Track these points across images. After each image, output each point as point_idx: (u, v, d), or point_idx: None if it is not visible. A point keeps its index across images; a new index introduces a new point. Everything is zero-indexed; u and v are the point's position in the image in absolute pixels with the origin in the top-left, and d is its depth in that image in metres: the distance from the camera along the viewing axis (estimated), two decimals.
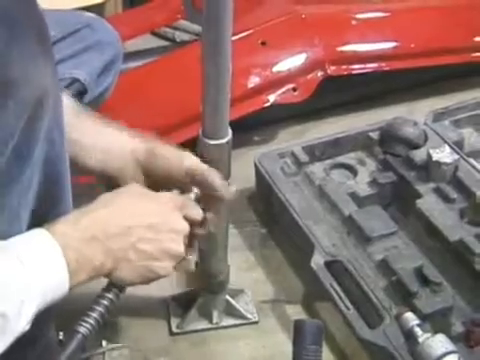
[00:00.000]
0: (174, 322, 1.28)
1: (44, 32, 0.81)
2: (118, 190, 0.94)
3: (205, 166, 1.00)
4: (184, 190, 0.99)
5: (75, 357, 0.83)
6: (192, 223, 0.96)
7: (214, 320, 1.28)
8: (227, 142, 1.03)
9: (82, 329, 0.84)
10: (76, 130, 0.99)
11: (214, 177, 0.99)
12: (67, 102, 0.97)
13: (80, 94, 1.29)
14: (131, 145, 1.02)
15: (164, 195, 0.96)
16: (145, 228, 0.89)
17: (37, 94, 0.79)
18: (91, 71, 1.29)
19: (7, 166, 0.79)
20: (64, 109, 0.90)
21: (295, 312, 1.31)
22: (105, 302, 0.87)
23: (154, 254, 0.90)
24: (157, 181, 1.00)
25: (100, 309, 0.86)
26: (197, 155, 1.03)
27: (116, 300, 0.89)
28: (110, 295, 0.88)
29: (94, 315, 0.86)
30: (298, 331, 0.94)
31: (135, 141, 1.02)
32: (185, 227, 0.94)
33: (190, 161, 1.00)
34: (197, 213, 0.97)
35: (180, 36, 2.20)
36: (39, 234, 0.81)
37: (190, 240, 0.97)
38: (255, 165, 1.50)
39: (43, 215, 0.90)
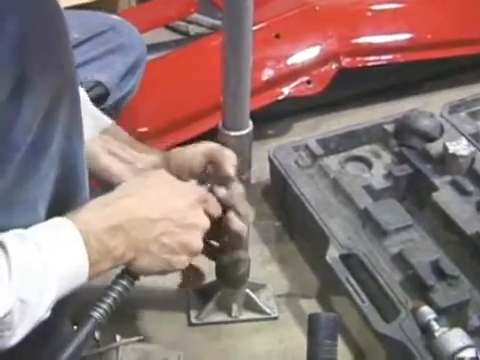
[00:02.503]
0: (193, 313, 1.28)
1: (62, 29, 0.81)
2: (145, 175, 0.95)
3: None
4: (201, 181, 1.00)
5: (88, 341, 0.84)
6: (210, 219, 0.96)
7: (233, 313, 1.27)
8: (248, 133, 1.04)
9: (96, 314, 0.85)
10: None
11: (231, 154, 1.00)
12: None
13: (102, 97, 1.30)
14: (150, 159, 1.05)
15: (189, 186, 0.97)
16: (169, 221, 0.90)
17: (54, 90, 0.80)
18: (114, 74, 1.29)
19: (24, 161, 0.80)
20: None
21: (310, 306, 1.30)
22: (119, 289, 0.88)
23: (174, 248, 0.90)
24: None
25: (114, 295, 0.87)
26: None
27: (130, 287, 0.89)
28: (124, 282, 0.88)
29: (108, 301, 0.86)
30: (313, 325, 0.93)
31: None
32: (206, 223, 0.95)
33: (206, 144, 1.02)
34: (217, 211, 0.98)
35: (194, 29, 2.20)
36: (60, 222, 0.81)
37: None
38: (269, 158, 1.49)
39: (60, 210, 0.90)
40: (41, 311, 0.76)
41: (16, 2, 0.73)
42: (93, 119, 1.05)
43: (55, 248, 0.78)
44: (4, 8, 0.71)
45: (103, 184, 1.05)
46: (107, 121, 1.08)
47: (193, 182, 0.99)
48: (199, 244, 0.93)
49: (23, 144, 0.78)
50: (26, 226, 0.81)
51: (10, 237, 0.76)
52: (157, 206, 0.90)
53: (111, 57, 1.28)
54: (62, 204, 0.91)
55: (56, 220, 0.82)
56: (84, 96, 1.03)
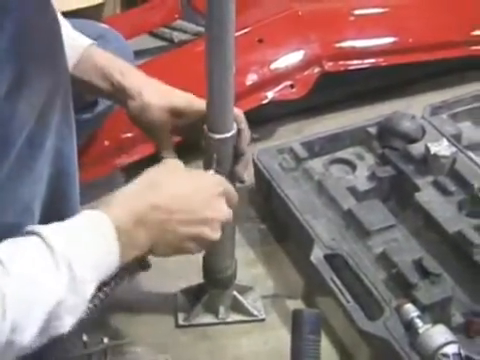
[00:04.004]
0: (181, 315, 1.29)
1: (57, 31, 0.84)
2: (162, 168, 0.96)
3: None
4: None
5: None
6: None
7: (220, 315, 1.28)
8: (232, 136, 1.05)
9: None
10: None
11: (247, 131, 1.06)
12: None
13: (92, 104, 1.32)
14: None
15: (209, 178, 1.00)
16: (188, 213, 0.93)
17: (49, 86, 0.82)
18: None
19: (20, 157, 0.82)
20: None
21: (296, 307, 1.29)
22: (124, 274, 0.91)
23: (191, 237, 0.94)
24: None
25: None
26: (203, 149, 1.06)
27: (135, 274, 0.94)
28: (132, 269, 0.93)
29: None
30: (296, 321, 0.95)
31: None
32: (226, 213, 0.99)
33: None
34: (235, 200, 1.03)
35: (178, 36, 2.21)
36: (100, 219, 0.84)
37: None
38: (254, 161, 1.51)
39: (53, 210, 0.92)
40: (85, 301, 0.79)
41: (15, 3, 0.75)
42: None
43: (92, 242, 0.81)
44: (3, 8, 0.73)
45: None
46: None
47: (211, 172, 1.02)
48: (216, 235, 0.96)
49: (19, 139, 0.80)
50: (21, 224, 0.83)
51: (54, 236, 0.78)
52: (178, 199, 0.92)
53: None
54: (55, 203, 0.93)
55: (95, 215, 0.84)
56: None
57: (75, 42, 1.12)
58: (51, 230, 0.79)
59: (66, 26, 1.10)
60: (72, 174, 0.94)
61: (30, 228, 0.79)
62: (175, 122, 1.11)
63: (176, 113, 1.10)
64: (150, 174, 0.94)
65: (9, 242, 0.77)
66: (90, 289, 0.80)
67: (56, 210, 0.91)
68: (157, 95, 1.10)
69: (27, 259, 0.76)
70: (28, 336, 0.74)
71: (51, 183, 0.89)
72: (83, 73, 1.11)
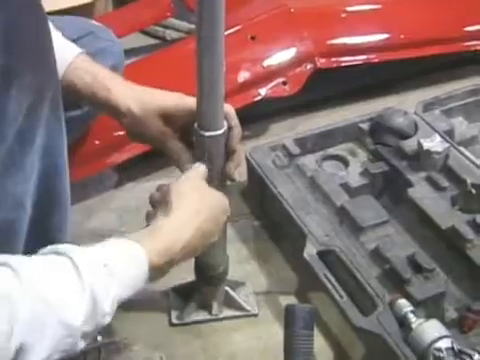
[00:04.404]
0: (174, 313, 1.29)
1: (45, 29, 0.84)
2: (185, 198, 0.97)
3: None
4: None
5: None
6: None
7: (213, 312, 1.28)
8: (223, 133, 1.04)
9: None
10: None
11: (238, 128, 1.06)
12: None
13: None
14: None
15: (217, 200, 1.02)
16: (206, 239, 0.99)
17: (39, 81, 0.82)
18: None
19: (10, 152, 0.82)
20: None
21: (289, 303, 1.31)
22: None
23: (199, 250, 0.99)
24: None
25: None
26: (193, 147, 1.06)
27: None
28: None
29: None
30: (289, 316, 0.95)
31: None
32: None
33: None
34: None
35: (170, 34, 2.20)
36: (136, 253, 0.86)
37: None
38: (247, 158, 1.50)
39: (45, 205, 0.92)
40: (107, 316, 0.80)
41: (1, 1, 0.75)
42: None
43: (123, 276, 0.83)
44: None
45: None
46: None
47: (220, 193, 1.04)
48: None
49: (9, 134, 0.80)
50: (13, 220, 0.83)
51: (84, 260, 0.78)
52: (199, 233, 0.96)
53: None
54: (47, 199, 0.93)
55: (135, 249, 0.86)
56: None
57: (60, 55, 1.10)
58: (78, 250, 0.79)
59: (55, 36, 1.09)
60: (63, 170, 0.94)
61: (62, 248, 0.78)
62: (172, 126, 1.10)
63: (169, 115, 1.09)
64: (177, 202, 0.95)
65: (34, 257, 0.76)
66: (107, 320, 0.80)
67: (48, 206, 0.91)
68: (146, 105, 1.08)
69: (50, 277, 0.75)
70: (36, 356, 0.72)
71: (42, 179, 0.89)
72: (70, 89, 1.09)
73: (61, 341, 0.74)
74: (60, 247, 0.78)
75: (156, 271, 0.88)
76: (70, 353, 0.77)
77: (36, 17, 0.82)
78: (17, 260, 0.72)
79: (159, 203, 0.96)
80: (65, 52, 1.10)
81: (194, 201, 0.96)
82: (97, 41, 1.33)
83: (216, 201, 1.01)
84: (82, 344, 0.77)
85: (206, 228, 0.96)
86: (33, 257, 0.76)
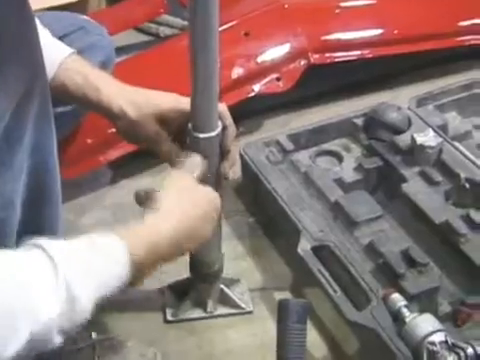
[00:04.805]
0: (169, 310, 1.29)
1: (31, 19, 0.83)
2: (171, 192, 0.95)
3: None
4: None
5: None
6: None
7: (208, 309, 1.28)
8: (217, 135, 1.03)
9: None
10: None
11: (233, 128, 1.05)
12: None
13: None
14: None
15: (206, 196, 0.99)
16: (195, 238, 0.96)
17: (27, 78, 0.82)
18: None
19: None
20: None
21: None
22: None
23: (189, 247, 0.97)
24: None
25: None
26: (187, 148, 1.05)
27: None
28: None
29: None
30: (282, 310, 0.95)
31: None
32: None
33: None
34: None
35: (164, 31, 2.20)
36: (117, 244, 0.83)
37: None
38: (241, 154, 1.50)
39: (35, 203, 0.91)
40: (78, 322, 0.77)
41: None
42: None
43: (102, 266, 0.80)
44: None
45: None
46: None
47: (209, 189, 1.01)
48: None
49: None
50: (2, 219, 0.82)
51: (57, 250, 0.76)
52: (184, 224, 0.93)
53: None
54: (37, 197, 0.92)
55: (113, 240, 0.83)
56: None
57: (51, 55, 1.07)
58: (55, 244, 0.76)
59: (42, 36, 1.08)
60: (53, 168, 0.93)
61: (40, 242, 0.76)
62: (166, 128, 1.09)
63: (164, 117, 1.08)
64: (163, 199, 0.93)
65: (5, 250, 0.74)
66: (84, 313, 0.77)
67: (38, 204, 0.91)
68: (140, 107, 1.07)
69: (22, 267, 0.72)
70: (11, 350, 0.70)
71: (31, 177, 0.88)
72: (61, 90, 1.08)
73: (36, 335, 0.71)
74: (38, 240, 0.76)
75: (139, 268, 0.84)
76: (46, 348, 0.75)
77: (20, 12, 0.81)
78: None
79: (145, 200, 0.94)
80: (55, 52, 1.09)
81: (181, 197, 0.94)
82: (88, 36, 1.32)
83: (205, 198, 0.98)
84: (58, 340, 0.75)
85: (194, 225, 0.94)
86: (8, 251, 0.74)
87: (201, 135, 1.02)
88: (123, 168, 1.63)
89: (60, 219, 1.05)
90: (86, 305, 0.76)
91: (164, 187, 0.94)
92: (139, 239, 0.85)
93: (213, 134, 1.03)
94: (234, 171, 1.12)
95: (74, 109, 1.30)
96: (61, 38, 1.25)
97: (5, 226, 0.89)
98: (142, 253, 0.84)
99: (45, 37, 1.06)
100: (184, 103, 1.05)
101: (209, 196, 1.00)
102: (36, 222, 0.98)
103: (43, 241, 0.75)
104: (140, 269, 0.85)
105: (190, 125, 1.03)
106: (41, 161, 0.90)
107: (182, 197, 0.94)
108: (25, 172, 0.87)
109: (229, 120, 1.05)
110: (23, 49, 0.81)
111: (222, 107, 1.03)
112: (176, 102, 1.07)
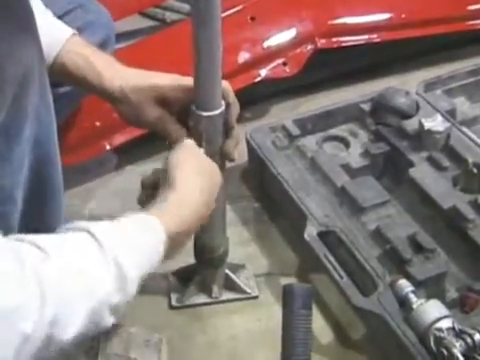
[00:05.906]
0: (174, 296, 1.28)
1: (28, 10, 0.81)
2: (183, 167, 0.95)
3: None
4: None
5: None
6: None
7: (213, 294, 1.28)
8: (220, 113, 1.03)
9: None
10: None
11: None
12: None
13: None
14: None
15: (210, 163, 1.00)
16: (206, 202, 0.95)
17: (22, 71, 0.80)
18: None
19: None
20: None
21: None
22: None
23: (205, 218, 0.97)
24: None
25: None
26: (191, 128, 1.04)
27: None
28: None
29: None
30: (287, 295, 0.94)
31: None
32: None
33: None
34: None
35: (170, 16, 2.19)
36: (154, 221, 0.85)
37: None
38: (247, 140, 1.49)
39: (36, 196, 0.90)
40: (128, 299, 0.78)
41: None
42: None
43: (142, 243, 0.82)
44: None
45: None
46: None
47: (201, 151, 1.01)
48: None
49: None
50: (2, 213, 0.81)
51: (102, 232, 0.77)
52: (198, 193, 0.93)
53: (79, 36, 1.27)
54: (38, 190, 0.91)
55: (149, 219, 0.85)
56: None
57: (53, 37, 1.07)
58: (98, 225, 0.77)
59: (44, 18, 1.06)
60: (53, 159, 0.92)
61: (75, 224, 0.77)
62: (168, 109, 1.08)
63: (165, 97, 1.07)
64: (177, 176, 0.93)
65: (53, 235, 0.75)
66: (133, 288, 0.78)
67: (41, 195, 0.90)
68: (140, 88, 1.06)
69: (73, 250, 0.73)
70: (70, 332, 0.70)
71: (32, 170, 0.87)
72: (62, 72, 1.06)
73: (92, 315, 0.72)
74: (77, 224, 0.77)
75: (172, 243, 0.86)
76: (100, 329, 0.75)
77: (21, 3, 0.79)
78: (41, 238, 0.71)
79: (154, 185, 0.95)
80: (57, 34, 1.07)
81: (194, 166, 0.95)
82: (87, 14, 1.30)
83: (212, 168, 0.99)
84: (111, 320, 0.76)
85: (208, 192, 0.95)
86: (53, 235, 0.75)
87: (204, 113, 1.01)
88: (129, 153, 1.62)
89: (63, 208, 1.04)
90: (134, 281, 0.78)
91: (176, 161, 0.94)
92: (169, 215, 0.86)
93: (217, 112, 1.02)
94: (239, 153, 1.10)
95: (74, 90, 1.28)
96: (61, 17, 1.24)
97: (5, 220, 0.89)
98: (173, 228, 0.86)
99: (47, 18, 1.05)
100: (185, 82, 1.04)
101: (215, 167, 1.01)
102: (41, 212, 0.98)
103: (86, 224, 0.77)
104: (173, 244, 0.86)
105: (193, 105, 1.02)
106: (43, 153, 0.89)
107: (194, 165, 0.95)
108: (27, 165, 0.86)
109: (232, 97, 1.04)
110: (17, 35, 0.79)
111: (225, 84, 1.02)
112: (176, 81, 1.06)
